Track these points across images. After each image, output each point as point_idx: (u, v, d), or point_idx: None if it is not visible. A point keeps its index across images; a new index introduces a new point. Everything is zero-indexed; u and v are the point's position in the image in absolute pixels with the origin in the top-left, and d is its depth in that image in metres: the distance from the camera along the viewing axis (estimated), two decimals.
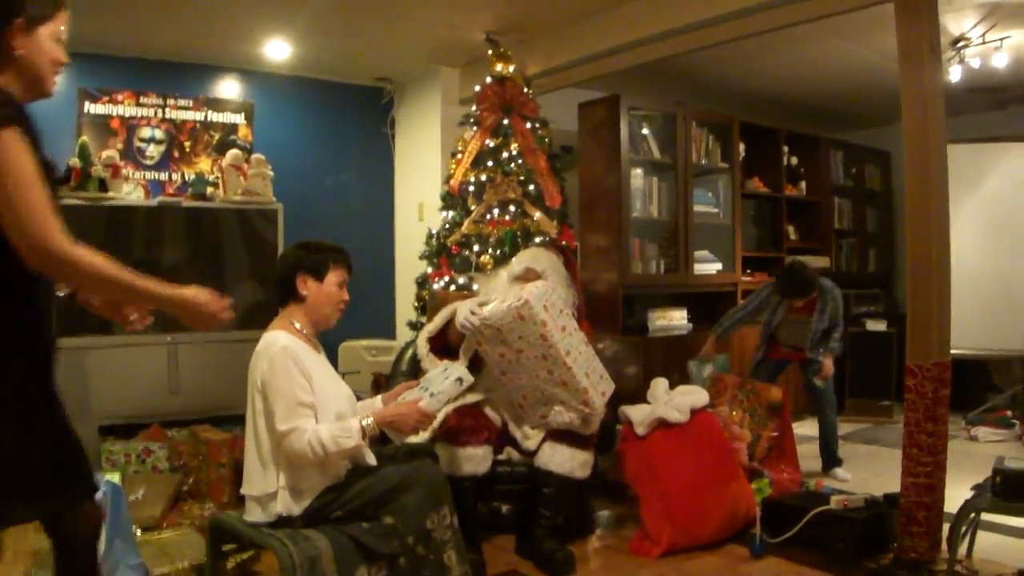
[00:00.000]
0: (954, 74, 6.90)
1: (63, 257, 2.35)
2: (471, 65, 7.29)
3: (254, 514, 3.55)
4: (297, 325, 3.63)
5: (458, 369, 3.93)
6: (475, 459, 4.38)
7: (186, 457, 5.59)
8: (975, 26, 6.36)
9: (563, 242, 5.66)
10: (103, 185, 5.94)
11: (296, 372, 3.46)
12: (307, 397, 3.45)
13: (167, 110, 6.93)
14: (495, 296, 4.47)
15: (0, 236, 2.32)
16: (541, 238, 5.60)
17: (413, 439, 4.26)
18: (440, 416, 4.41)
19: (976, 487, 4.20)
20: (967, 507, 4.08)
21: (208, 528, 3.95)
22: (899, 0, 4.57)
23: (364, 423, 3.51)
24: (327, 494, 3.50)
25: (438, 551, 3.53)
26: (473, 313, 4.32)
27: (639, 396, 5.34)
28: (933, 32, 4.54)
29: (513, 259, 5.02)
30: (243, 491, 3.61)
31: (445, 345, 4.72)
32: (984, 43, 6.58)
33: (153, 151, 6.84)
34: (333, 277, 3.69)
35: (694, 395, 5.13)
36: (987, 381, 8.90)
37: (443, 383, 3.83)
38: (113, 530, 3.91)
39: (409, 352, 5.23)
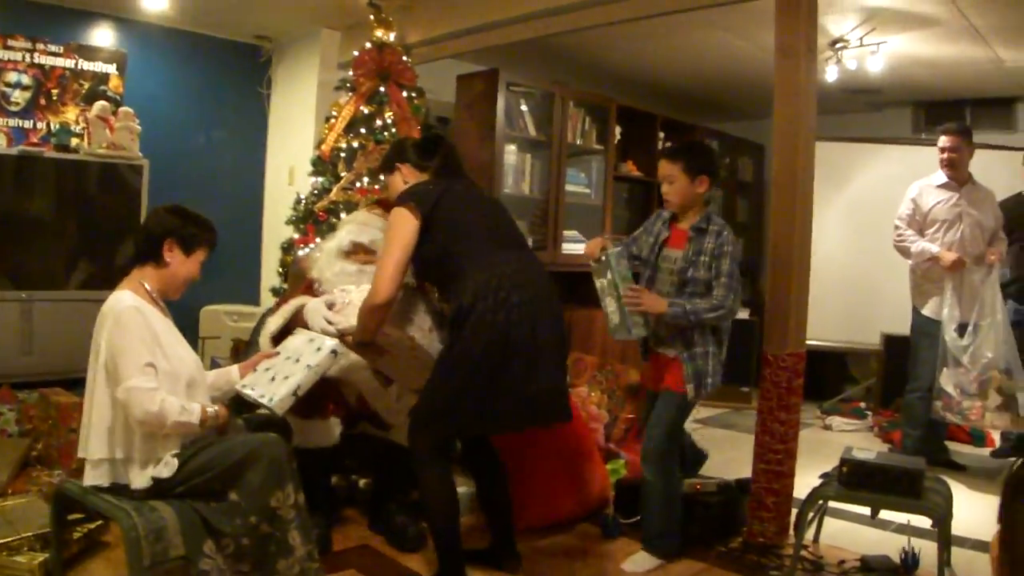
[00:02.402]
0: (831, 74, 7.07)
1: None
2: (352, 29, 7.21)
3: (92, 478, 3.50)
4: (147, 286, 3.56)
5: (329, 341, 3.90)
6: (321, 431, 4.34)
7: (36, 421, 5.44)
8: (855, 28, 6.49)
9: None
10: None
11: (144, 332, 3.41)
12: (151, 359, 3.40)
13: (36, 55, 6.71)
14: (338, 284, 4.41)
15: None
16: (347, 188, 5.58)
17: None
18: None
19: (824, 475, 4.37)
20: (814, 494, 4.21)
21: (53, 497, 3.87)
22: None
23: (209, 410, 3.53)
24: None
25: (283, 529, 3.50)
26: (330, 323, 4.23)
27: None
28: (811, 31, 4.64)
29: (340, 229, 4.85)
30: (80, 454, 3.56)
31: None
32: (862, 46, 6.73)
33: (19, 97, 6.63)
34: (200, 255, 3.67)
35: None
36: (844, 372, 9.20)
37: (317, 355, 3.80)
38: None
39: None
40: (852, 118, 9.12)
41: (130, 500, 3.43)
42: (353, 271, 4.48)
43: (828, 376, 8.87)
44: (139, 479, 3.43)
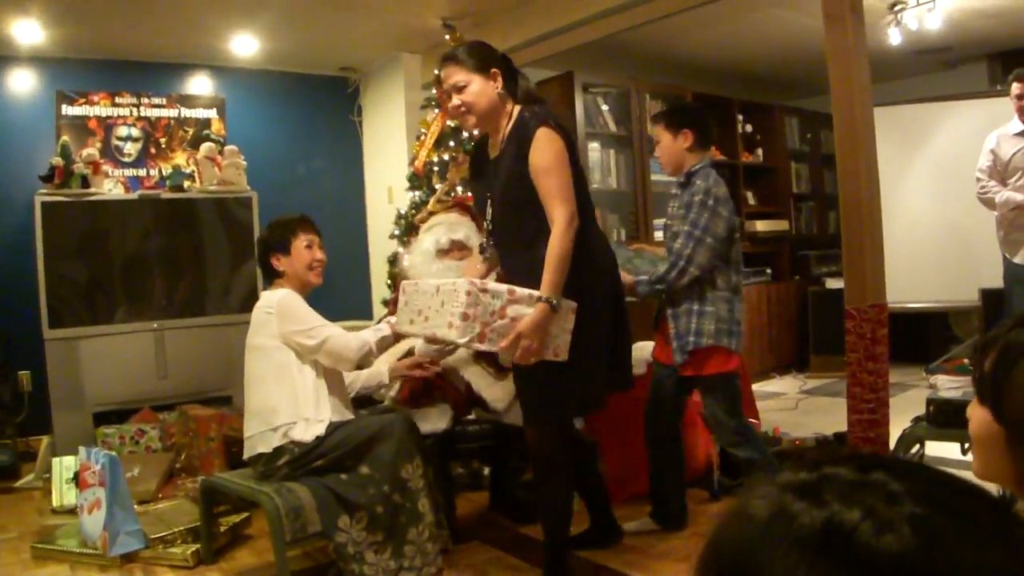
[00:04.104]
0: (893, 36, 7.17)
1: None
2: (431, 50, 7.53)
3: (250, 451, 3.95)
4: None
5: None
6: (431, 417, 4.46)
7: (177, 436, 5.88)
8: None
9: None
10: (85, 182, 6.22)
11: (306, 306, 3.98)
12: (322, 321, 3.96)
13: (142, 108, 7.18)
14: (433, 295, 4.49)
15: None
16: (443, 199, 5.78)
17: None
18: (395, 388, 4.62)
19: (914, 419, 4.49)
20: (905, 436, 4.39)
21: (201, 489, 4.27)
22: None
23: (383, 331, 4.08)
24: (313, 443, 3.85)
25: (413, 499, 3.85)
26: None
27: None
28: None
29: (431, 229, 4.96)
30: (247, 433, 3.97)
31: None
32: (919, 5, 6.83)
33: (130, 148, 7.10)
34: (299, 243, 4.10)
35: (649, 349, 5.40)
36: (948, 333, 9.15)
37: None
38: (112, 499, 4.22)
39: None
40: (928, 79, 9.13)
41: (270, 484, 3.81)
42: (454, 267, 4.57)
43: (932, 338, 8.79)
44: (303, 432, 3.84)
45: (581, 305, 3.44)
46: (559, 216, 3.36)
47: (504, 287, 3.31)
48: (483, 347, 3.27)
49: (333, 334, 3.90)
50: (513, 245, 3.63)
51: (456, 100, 3.54)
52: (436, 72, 6.15)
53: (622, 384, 3.84)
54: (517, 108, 3.59)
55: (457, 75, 3.52)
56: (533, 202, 3.45)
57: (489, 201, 3.67)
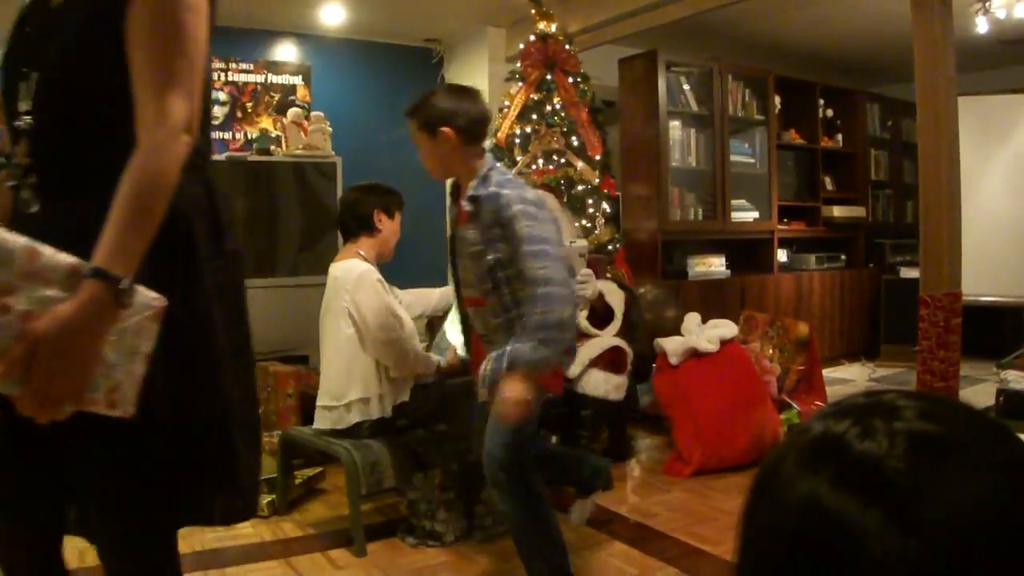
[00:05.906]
0: (981, 25, 7.07)
1: None
2: (516, 25, 7.60)
3: (324, 422, 4.01)
4: (362, 253, 4.08)
5: None
6: None
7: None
8: None
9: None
10: None
11: (383, 288, 4.00)
12: (399, 309, 4.00)
13: (229, 73, 7.35)
14: None
15: None
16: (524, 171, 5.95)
17: None
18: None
19: (983, 409, 4.48)
20: None
21: (280, 441, 4.40)
22: None
23: (442, 362, 4.17)
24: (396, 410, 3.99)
25: None
26: None
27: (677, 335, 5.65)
28: None
29: None
30: (319, 402, 4.08)
31: None
32: None
33: (217, 112, 7.24)
34: (399, 216, 4.23)
35: (724, 327, 5.46)
36: (1022, 328, 9.06)
37: None
38: None
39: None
40: (1014, 70, 8.93)
41: (349, 439, 3.93)
42: None
43: (1006, 333, 8.72)
44: (386, 405, 3.99)
45: (185, 309, 1.73)
46: (168, 111, 1.66)
47: (21, 241, 1.48)
48: None
49: (400, 337, 3.95)
50: (67, 172, 1.77)
51: None
52: (521, 45, 6.27)
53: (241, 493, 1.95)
54: None
55: None
56: (113, 84, 1.71)
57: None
